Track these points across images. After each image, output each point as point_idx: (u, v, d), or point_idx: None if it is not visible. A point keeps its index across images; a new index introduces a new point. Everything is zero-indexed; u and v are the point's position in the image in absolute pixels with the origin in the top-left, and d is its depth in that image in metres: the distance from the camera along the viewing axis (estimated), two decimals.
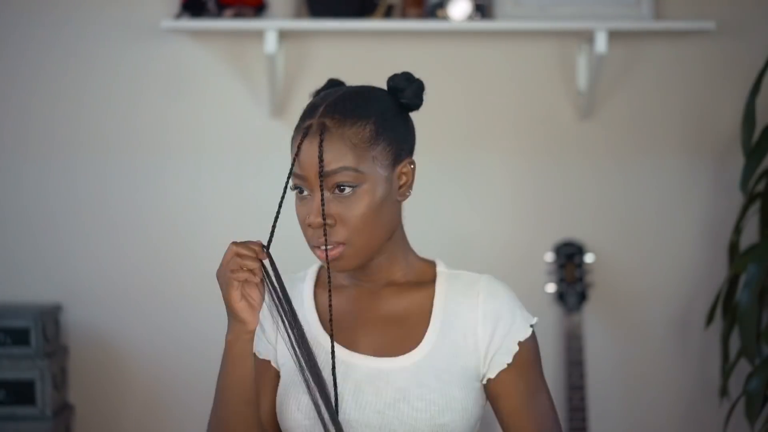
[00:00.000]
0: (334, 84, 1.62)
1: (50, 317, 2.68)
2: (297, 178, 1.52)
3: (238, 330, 1.48)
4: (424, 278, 1.62)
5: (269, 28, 2.64)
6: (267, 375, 1.61)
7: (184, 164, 2.84)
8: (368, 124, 1.52)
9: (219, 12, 2.70)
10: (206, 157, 2.84)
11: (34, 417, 2.61)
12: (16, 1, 2.79)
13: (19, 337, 2.60)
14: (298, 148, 1.50)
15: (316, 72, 2.79)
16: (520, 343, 1.58)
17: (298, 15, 2.79)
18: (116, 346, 2.84)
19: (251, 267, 1.46)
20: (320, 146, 1.49)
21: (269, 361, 1.61)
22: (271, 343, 1.61)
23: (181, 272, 2.84)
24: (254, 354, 1.57)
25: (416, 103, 1.59)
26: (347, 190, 1.49)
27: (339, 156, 1.49)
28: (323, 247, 1.50)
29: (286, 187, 1.53)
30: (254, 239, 1.48)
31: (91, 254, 2.83)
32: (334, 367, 1.51)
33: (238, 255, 1.46)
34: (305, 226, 1.52)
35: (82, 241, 2.83)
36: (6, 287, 2.82)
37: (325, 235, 1.49)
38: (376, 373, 1.54)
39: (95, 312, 2.83)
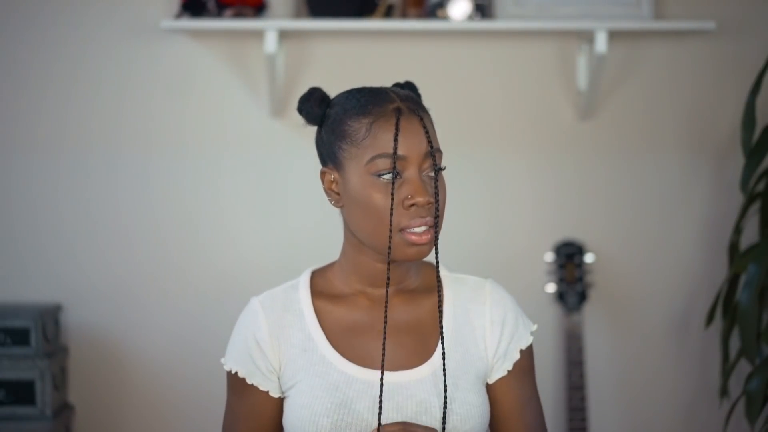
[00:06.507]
0: (318, 92, 1.56)
1: (50, 317, 2.68)
2: (394, 160, 1.46)
3: None
4: (430, 283, 1.59)
5: (269, 28, 2.64)
6: (274, 408, 1.55)
7: (184, 164, 2.83)
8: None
9: (219, 12, 2.70)
10: (206, 157, 2.84)
11: (34, 417, 2.60)
12: (14, 1, 2.79)
13: (19, 337, 2.60)
14: (396, 128, 1.45)
15: (316, 72, 2.79)
16: (521, 351, 1.58)
17: (298, 15, 2.79)
18: (116, 346, 2.84)
19: None
20: (423, 125, 1.47)
21: (267, 392, 1.55)
22: (275, 369, 1.54)
23: (181, 272, 2.84)
24: (255, 386, 1.54)
25: None
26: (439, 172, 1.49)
27: (435, 136, 1.50)
28: (417, 229, 1.45)
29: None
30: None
31: (92, 254, 2.83)
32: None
33: None
34: (399, 208, 1.45)
35: (83, 241, 2.83)
36: (6, 287, 2.81)
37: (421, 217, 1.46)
38: (395, 387, 1.49)
39: (95, 312, 2.83)
